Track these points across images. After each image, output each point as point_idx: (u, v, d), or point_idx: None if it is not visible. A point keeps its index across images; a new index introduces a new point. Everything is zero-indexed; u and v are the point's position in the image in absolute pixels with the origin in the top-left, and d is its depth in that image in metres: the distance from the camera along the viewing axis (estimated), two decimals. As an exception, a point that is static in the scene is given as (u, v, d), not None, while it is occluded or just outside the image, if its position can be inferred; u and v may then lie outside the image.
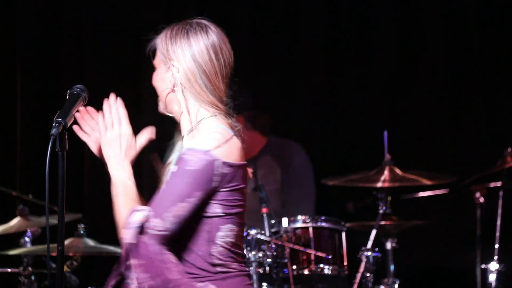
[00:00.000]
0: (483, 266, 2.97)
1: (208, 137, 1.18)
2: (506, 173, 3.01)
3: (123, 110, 1.22)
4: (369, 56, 3.86)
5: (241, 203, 1.22)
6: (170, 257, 1.11)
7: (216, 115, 1.24)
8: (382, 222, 2.83)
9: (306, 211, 2.87)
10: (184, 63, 1.22)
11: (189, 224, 1.17)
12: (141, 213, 1.10)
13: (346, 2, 3.97)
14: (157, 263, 1.11)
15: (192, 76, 1.22)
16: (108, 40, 3.81)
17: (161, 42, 1.26)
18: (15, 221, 2.65)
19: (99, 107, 1.63)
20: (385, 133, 3.00)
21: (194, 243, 1.16)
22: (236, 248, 1.22)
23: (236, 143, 1.24)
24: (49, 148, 1.04)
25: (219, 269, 1.15)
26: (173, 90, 1.25)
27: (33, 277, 2.68)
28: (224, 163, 1.14)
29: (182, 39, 1.24)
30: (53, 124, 1.05)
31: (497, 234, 3.05)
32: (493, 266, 2.87)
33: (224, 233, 1.17)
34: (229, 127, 1.25)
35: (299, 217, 2.52)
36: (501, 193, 2.97)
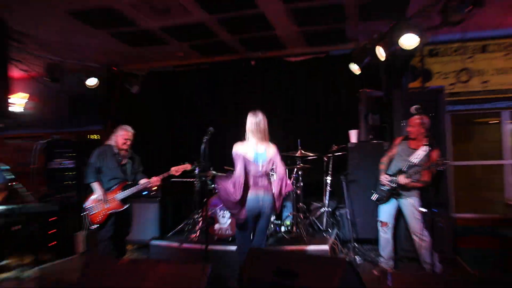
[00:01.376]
0: (327, 178, 6.11)
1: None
2: (332, 151, 6.04)
3: None
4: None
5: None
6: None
7: (245, 139, 4.22)
8: (299, 166, 5.81)
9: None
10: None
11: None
12: None
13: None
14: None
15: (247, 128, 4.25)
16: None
17: None
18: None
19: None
20: (299, 141, 5.97)
21: None
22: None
23: (240, 145, 4.19)
24: (204, 142, 4.37)
25: None
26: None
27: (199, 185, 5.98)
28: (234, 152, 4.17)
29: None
30: (206, 136, 4.42)
31: (329, 171, 6.09)
32: (329, 179, 6.05)
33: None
34: (246, 142, 4.20)
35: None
36: (330, 158, 6.07)
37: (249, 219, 4.14)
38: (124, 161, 5.13)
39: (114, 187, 5.03)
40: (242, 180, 4.08)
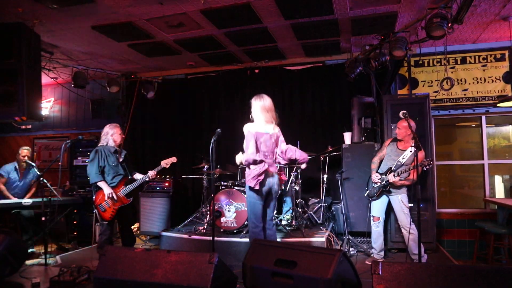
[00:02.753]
0: (324, 176, 5.86)
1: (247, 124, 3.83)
2: (328, 152, 5.88)
3: None
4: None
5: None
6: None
7: (254, 122, 3.90)
8: (301, 165, 5.50)
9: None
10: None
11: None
12: None
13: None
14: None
15: (253, 111, 4.00)
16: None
17: None
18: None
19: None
20: (298, 142, 5.77)
21: None
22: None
23: (251, 124, 3.85)
24: (212, 142, 4.02)
25: None
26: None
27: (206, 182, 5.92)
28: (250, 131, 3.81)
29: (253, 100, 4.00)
30: (214, 137, 4.06)
31: (326, 170, 5.91)
32: (325, 177, 5.82)
33: None
34: (258, 125, 3.84)
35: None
36: (326, 158, 5.92)
37: (260, 196, 3.86)
38: (121, 158, 4.88)
39: (118, 184, 4.79)
40: (257, 157, 3.79)
